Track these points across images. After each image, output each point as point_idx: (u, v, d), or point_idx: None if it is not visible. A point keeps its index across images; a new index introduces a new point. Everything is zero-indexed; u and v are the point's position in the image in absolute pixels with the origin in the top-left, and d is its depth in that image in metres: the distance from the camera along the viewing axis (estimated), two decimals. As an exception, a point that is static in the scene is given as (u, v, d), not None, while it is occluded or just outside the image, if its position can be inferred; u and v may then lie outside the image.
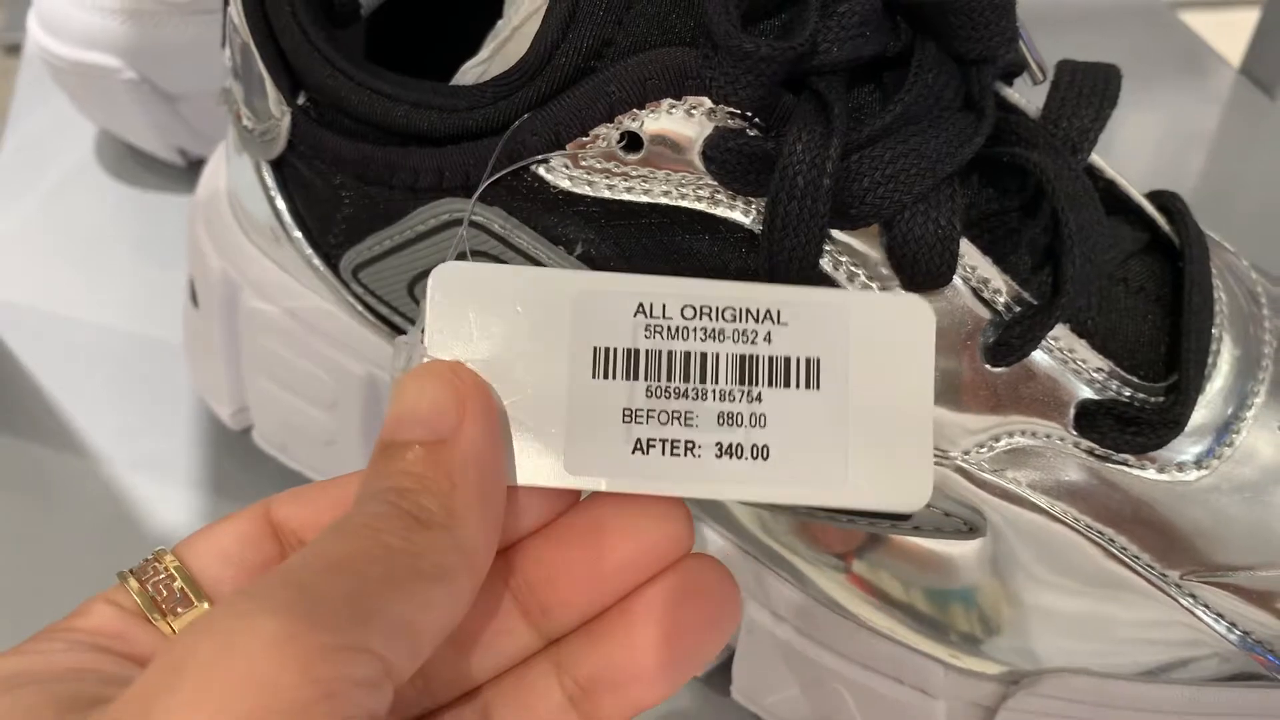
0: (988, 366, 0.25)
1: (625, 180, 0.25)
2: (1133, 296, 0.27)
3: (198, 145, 0.47)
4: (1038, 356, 0.25)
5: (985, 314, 0.25)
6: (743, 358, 0.20)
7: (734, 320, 0.20)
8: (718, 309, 0.20)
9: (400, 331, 0.31)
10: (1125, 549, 0.25)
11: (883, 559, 0.27)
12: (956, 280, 0.25)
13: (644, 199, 0.25)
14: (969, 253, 0.25)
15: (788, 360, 0.20)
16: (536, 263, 0.26)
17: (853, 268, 0.24)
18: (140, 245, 0.46)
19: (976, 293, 0.25)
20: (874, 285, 0.24)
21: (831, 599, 0.28)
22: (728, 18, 0.23)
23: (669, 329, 0.20)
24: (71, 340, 0.42)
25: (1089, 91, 0.26)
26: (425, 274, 0.28)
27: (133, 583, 0.19)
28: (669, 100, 0.24)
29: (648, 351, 0.20)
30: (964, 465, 0.25)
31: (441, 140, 0.26)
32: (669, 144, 0.24)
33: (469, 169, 0.26)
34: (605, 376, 0.20)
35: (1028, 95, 0.27)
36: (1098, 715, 0.26)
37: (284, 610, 0.15)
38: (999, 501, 0.25)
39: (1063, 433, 0.25)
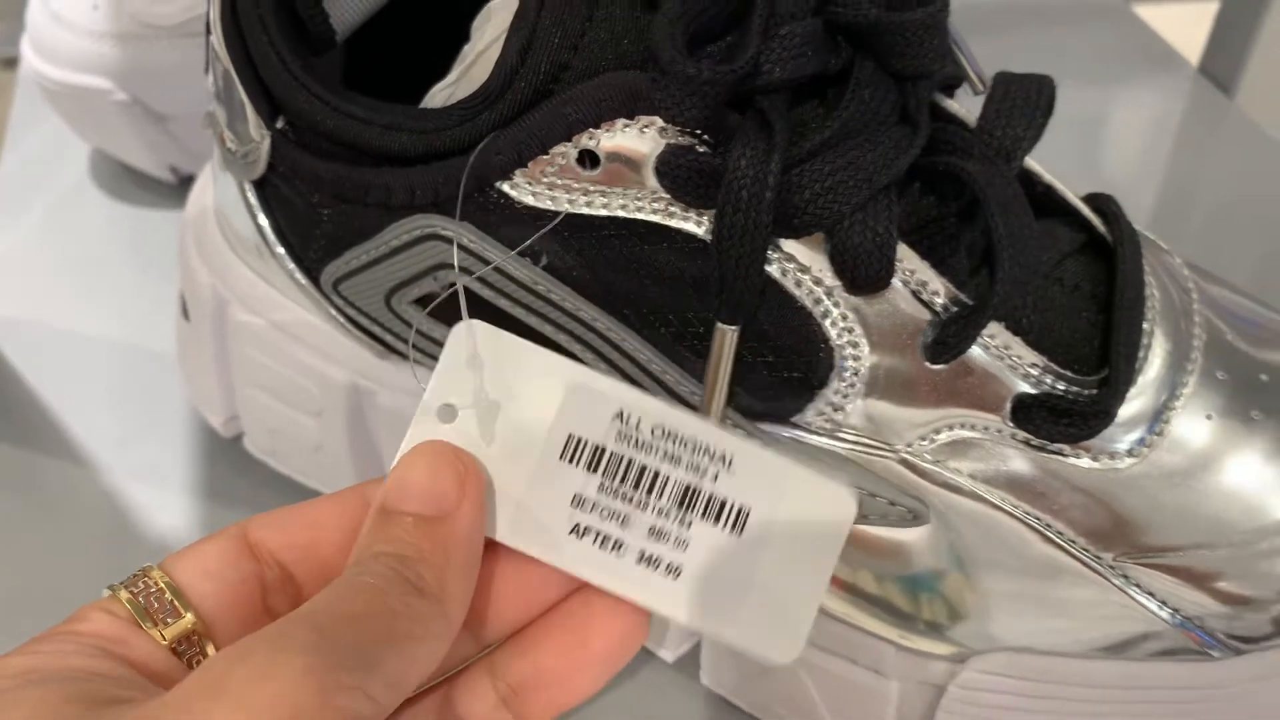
0: (927, 364, 0.26)
1: (585, 195, 0.27)
2: (1068, 295, 0.28)
3: (189, 163, 0.48)
4: (975, 353, 0.27)
5: (924, 315, 0.26)
6: (688, 487, 0.22)
7: (692, 453, 0.22)
8: (682, 437, 0.22)
9: (381, 342, 0.32)
10: (1061, 534, 0.27)
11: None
12: (896, 283, 0.26)
13: (603, 212, 0.27)
14: (908, 257, 0.26)
15: (723, 502, 0.22)
16: (504, 273, 0.28)
17: (799, 274, 0.26)
18: (135, 260, 0.47)
19: (916, 294, 0.26)
20: (819, 290, 0.26)
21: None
22: (673, 44, 0.24)
23: (637, 440, 0.22)
24: (69, 353, 0.43)
25: (1022, 102, 0.27)
26: (402, 285, 0.30)
27: (123, 593, 0.21)
28: (623, 120, 0.26)
29: (613, 453, 0.22)
30: (907, 457, 0.27)
31: (412, 160, 0.28)
32: (624, 160, 0.26)
33: (438, 186, 0.27)
34: (571, 461, 0.22)
35: (971, 106, 0.28)
36: (1041, 691, 0.28)
37: (309, 650, 0.18)
38: (941, 491, 0.27)
39: (1000, 425, 0.27)
